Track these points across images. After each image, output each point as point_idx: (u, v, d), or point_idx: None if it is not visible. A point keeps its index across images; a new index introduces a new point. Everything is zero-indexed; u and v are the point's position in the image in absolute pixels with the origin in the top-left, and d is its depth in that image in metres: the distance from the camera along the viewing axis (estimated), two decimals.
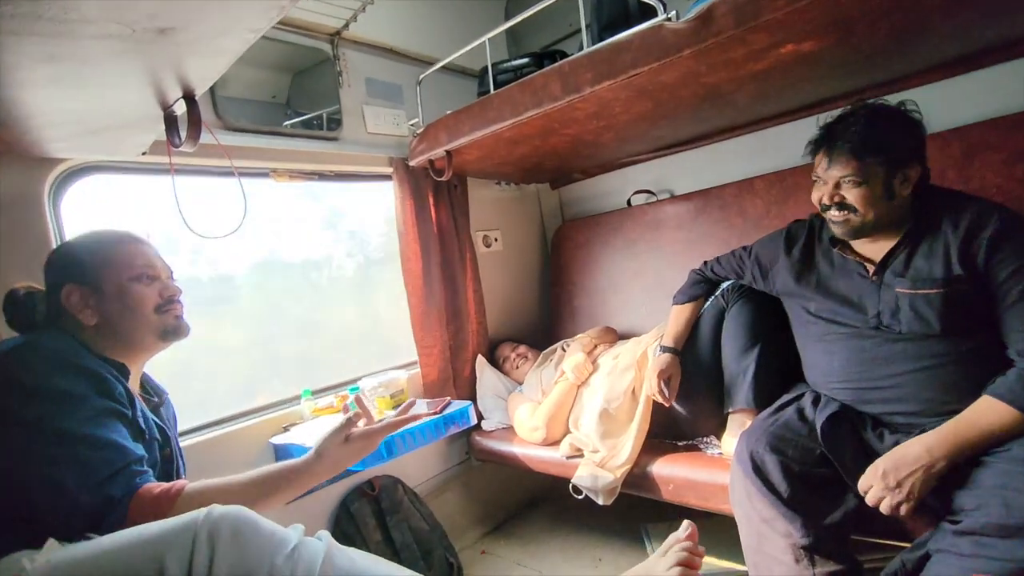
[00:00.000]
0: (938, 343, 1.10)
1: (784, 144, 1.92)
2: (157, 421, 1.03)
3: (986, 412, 0.99)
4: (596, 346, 1.95)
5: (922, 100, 1.29)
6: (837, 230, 1.19)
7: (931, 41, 1.37)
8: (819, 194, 1.20)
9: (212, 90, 1.53)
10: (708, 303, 1.59)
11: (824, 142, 1.18)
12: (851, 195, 1.13)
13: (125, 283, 1.00)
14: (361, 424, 1.10)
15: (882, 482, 1.01)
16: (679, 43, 1.23)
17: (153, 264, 1.05)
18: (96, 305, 0.97)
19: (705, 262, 1.63)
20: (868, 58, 1.44)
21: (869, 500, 1.03)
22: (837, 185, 1.15)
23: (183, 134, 1.05)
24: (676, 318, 1.61)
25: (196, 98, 0.98)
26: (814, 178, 1.22)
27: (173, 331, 1.05)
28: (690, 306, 1.61)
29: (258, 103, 1.78)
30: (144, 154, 1.33)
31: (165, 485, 0.86)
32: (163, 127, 1.07)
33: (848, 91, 1.71)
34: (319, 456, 1.02)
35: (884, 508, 1.01)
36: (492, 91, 1.68)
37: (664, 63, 1.27)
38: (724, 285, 1.56)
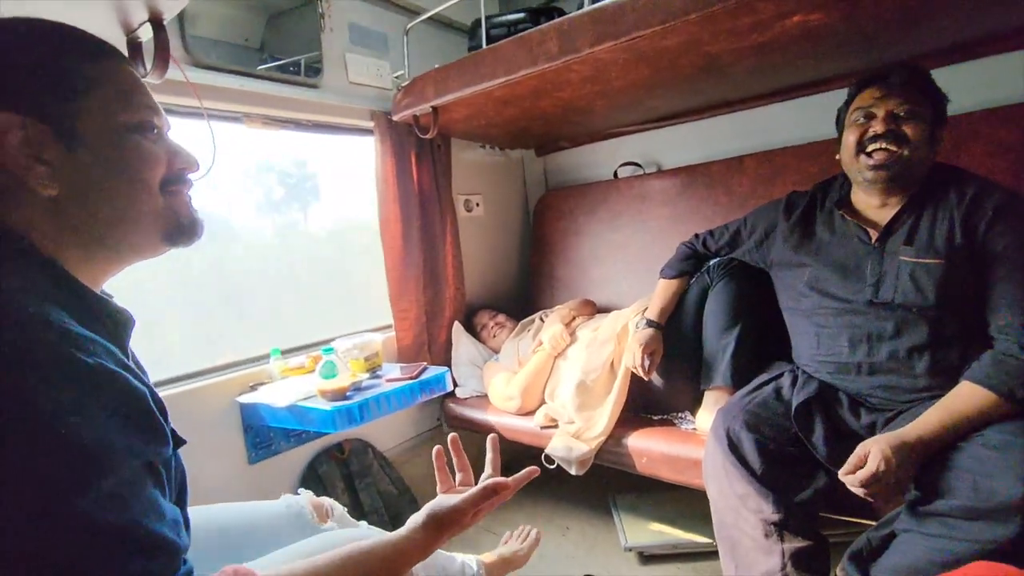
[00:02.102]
0: (928, 323, 1.10)
1: (774, 124, 1.91)
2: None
3: (968, 398, 1.00)
4: (574, 318, 1.94)
5: None
6: (876, 173, 1.13)
7: (937, 23, 1.35)
8: (860, 130, 1.16)
9: (181, 25, 1.41)
10: (694, 279, 1.58)
11: (876, 79, 1.17)
12: (907, 126, 1.11)
13: (120, 130, 0.57)
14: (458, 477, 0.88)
15: (883, 469, 0.95)
16: (687, 6, 1.18)
17: (158, 108, 0.62)
18: (60, 159, 0.54)
19: (696, 235, 1.61)
20: (869, 38, 1.42)
21: (857, 477, 0.97)
22: (891, 116, 1.13)
23: (148, 64, 0.96)
24: (663, 292, 1.60)
25: (164, 23, 0.89)
26: (854, 116, 1.18)
27: (189, 227, 0.63)
28: (677, 281, 1.60)
29: (230, 46, 1.64)
30: None
31: None
32: (126, 54, 0.97)
33: (842, 73, 1.69)
34: (438, 531, 0.71)
35: (871, 495, 0.97)
36: (484, 46, 1.60)
37: (668, 27, 1.22)
38: (711, 263, 1.55)
